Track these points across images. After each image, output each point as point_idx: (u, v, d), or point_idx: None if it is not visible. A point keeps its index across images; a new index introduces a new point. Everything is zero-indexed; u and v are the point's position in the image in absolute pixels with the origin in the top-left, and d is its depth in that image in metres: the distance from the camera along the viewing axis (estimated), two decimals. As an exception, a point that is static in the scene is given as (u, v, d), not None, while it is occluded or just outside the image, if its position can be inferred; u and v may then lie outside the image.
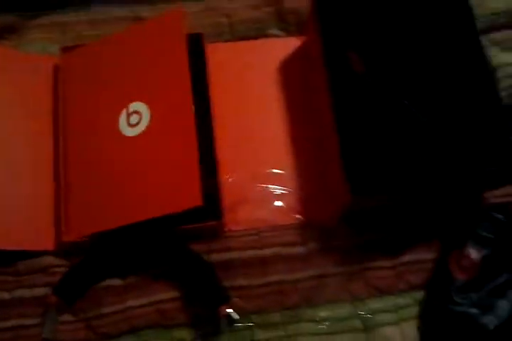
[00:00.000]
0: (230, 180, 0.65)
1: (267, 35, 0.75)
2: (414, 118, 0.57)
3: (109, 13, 0.76)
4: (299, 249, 0.62)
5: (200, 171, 0.60)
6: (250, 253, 0.62)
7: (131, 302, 0.60)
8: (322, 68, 0.63)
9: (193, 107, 0.62)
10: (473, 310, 0.57)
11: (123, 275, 0.61)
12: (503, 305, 0.57)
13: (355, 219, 0.63)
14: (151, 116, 0.64)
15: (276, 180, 0.67)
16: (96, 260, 0.60)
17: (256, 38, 0.75)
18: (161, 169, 0.61)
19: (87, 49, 0.71)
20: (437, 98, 0.59)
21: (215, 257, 0.62)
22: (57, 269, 0.61)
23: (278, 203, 0.65)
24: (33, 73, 0.71)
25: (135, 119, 0.65)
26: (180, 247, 0.60)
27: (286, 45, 0.75)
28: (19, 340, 0.59)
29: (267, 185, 0.66)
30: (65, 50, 0.72)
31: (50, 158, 0.67)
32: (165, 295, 0.60)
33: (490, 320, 0.56)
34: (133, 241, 0.60)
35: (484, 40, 0.72)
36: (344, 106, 0.60)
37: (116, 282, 0.61)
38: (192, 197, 0.58)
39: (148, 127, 0.64)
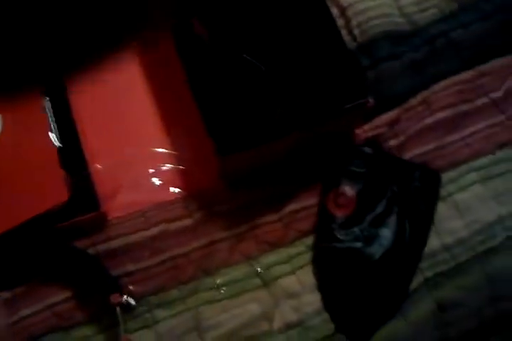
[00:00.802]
0: (102, 168, 0.63)
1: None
2: (258, 70, 0.57)
3: None
4: (185, 222, 0.62)
5: (66, 166, 0.60)
6: (137, 236, 0.61)
7: (24, 312, 0.58)
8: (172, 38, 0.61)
9: (43, 105, 0.61)
10: (358, 244, 0.58)
11: (9, 287, 0.59)
12: (384, 234, 0.58)
13: (234, 180, 0.62)
14: (3, 121, 0.62)
15: (151, 158, 0.66)
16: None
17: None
18: (23, 173, 0.60)
19: None
20: (280, 48, 0.59)
21: (102, 247, 0.60)
22: None
23: (156, 181, 0.64)
24: None
25: (-13, 127, 0.62)
26: (59, 246, 0.58)
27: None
28: None
29: (142, 165, 0.65)
30: None
31: None
32: (57, 297, 0.59)
33: (375, 250, 0.58)
34: (12, 249, 0.58)
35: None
36: (195, 71, 0.59)
37: (5, 295, 0.59)
38: (58, 194, 0.56)
39: (1, 132, 0.61)
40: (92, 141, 0.64)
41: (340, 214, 0.59)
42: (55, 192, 0.57)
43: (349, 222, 0.59)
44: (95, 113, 0.67)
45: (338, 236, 0.58)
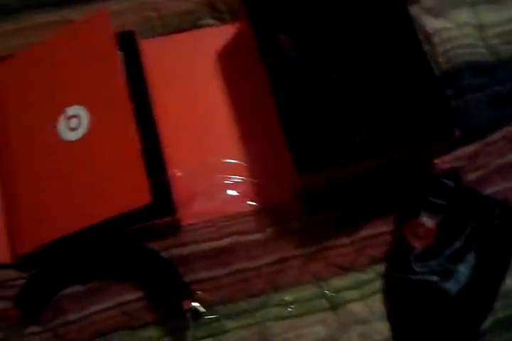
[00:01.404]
0: (179, 174, 0.64)
1: (200, 26, 0.74)
2: (347, 92, 0.57)
3: (37, 19, 0.73)
4: (257, 236, 0.62)
5: (146, 169, 0.60)
6: (209, 245, 0.61)
7: (95, 307, 0.59)
8: (257, 52, 0.62)
9: (130, 106, 0.62)
10: (434, 278, 0.57)
11: (83, 281, 0.60)
12: (462, 270, 0.57)
13: (309, 199, 0.62)
14: (91, 119, 0.63)
15: (227, 169, 0.66)
16: (53, 268, 0.59)
17: (190, 29, 0.74)
18: (106, 171, 0.60)
19: (20, 57, 0.70)
20: (369, 70, 0.59)
21: (174, 252, 0.61)
22: (15, 282, 0.60)
23: (231, 192, 0.65)
24: None
25: (74, 123, 0.64)
26: (135, 247, 0.59)
27: (221, 34, 0.73)
28: None
29: (218, 175, 0.66)
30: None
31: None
32: (128, 296, 0.59)
33: (451, 286, 0.57)
34: (88, 245, 0.59)
35: (417, 8, 0.72)
36: (281, 87, 0.60)
37: (78, 288, 0.60)
38: (140, 196, 0.57)
39: (88, 130, 0.63)
40: (172, 147, 0.65)
41: (417, 245, 0.59)
42: (137, 194, 0.57)
43: (426, 254, 0.58)
44: (178, 120, 0.68)
45: (414, 267, 0.57)
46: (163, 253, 0.61)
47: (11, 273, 0.61)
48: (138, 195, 0.57)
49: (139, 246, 0.59)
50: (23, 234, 0.61)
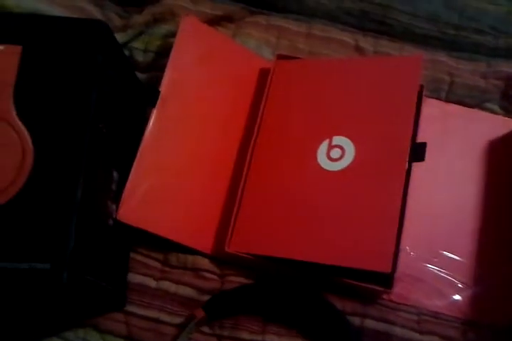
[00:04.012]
0: (411, 254, 0.61)
1: (483, 108, 0.70)
2: None
3: (329, 32, 0.73)
4: (457, 346, 0.57)
5: None
6: (407, 333, 0.58)
7: (271, 338, 0.57)
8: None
9: (405, 165, 0.58)
10: None
11: (264, 314, 0.58)
12: None
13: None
14: (356, 155, 0.60)
15: (452, 266, 0.62)
16: (255, 292, 0.58)
17: (471, 106, 0.71)
18: (355, 215, 0.57)
19: (304, 64, 0.68)
20: None
21: (368, 323, 0.58)
22: (207, 274, 0.60)
23: (451, 293, 0.60)
24: (242, 68, 0.70)
25: (337, 154, 0.61)
26: (335, 310, 0.56)
27: (501, 124, 0.70)
28: (151, 332, 0.57)
29: (442, 269, 0.62)
30: (280, 57, 0.69)
31: (232, 158, 0.66)
32: None
33: None
34: (293, 279, 0.56)
35: None
36: None
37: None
38: (382, 261, 0.54)
39: (351, 165, 0.60)
40: (409, 223, 0.59)
41: None
42: (380, 257, 0.54)
43: None
44: (423, 198, 0.64)
45: None
46: (357, 319, 0.58)
47: (205, 263, 0.61)
48: (380, 258, 0.54)
49: (338, 311, 0.55)
50: (238, 235, 0.59)
